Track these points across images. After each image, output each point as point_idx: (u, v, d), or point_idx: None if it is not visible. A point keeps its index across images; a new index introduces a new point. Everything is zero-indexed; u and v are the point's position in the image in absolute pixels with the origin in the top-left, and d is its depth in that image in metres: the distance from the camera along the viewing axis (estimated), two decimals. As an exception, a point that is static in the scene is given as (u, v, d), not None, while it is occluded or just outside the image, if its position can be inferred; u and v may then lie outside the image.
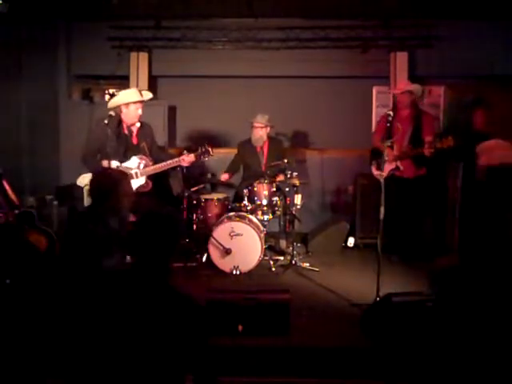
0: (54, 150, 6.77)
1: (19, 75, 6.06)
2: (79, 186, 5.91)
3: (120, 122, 4.50)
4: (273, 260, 5.20)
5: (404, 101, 5.26)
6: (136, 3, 5.63)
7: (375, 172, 5.06)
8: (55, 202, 5.88)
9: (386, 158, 4.70)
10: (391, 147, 4.93)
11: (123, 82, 6.66)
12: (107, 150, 4.37)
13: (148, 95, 4.68)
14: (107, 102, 6.32)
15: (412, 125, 5.20)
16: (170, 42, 6.57)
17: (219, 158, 5.82)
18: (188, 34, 6.56)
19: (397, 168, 5.16)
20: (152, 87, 6.41)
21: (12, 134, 5.98)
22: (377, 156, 5.00)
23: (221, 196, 5.47)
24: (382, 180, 4.37)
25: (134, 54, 6.50)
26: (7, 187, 4.80)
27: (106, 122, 4.29)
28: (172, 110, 6.74)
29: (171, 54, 6.61)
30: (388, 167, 5.04)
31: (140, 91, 4.62)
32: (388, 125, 4.75)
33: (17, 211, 4.73)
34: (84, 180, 5.85)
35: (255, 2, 5.80)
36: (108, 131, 4.34)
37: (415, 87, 5.32)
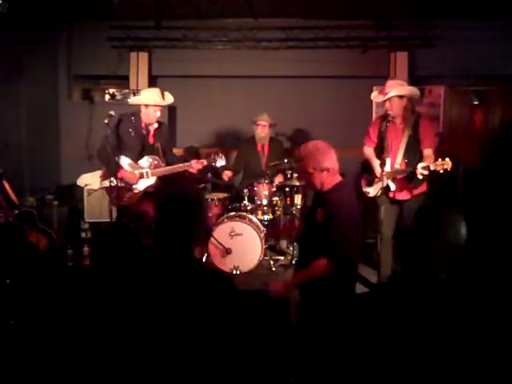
0: (54, 150, 6.78)
1: (19, 75, 6.05)
2: (79, 186, 5.95)
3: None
4: (273, 260, 5.20)
5: (393, 107, 4.24)
6: (136, 3, 5.63)
7: (363, 189, 4.54)
8: (55, 202, 5.89)
9: (372, 165, 4.37)
10: (383, 161, 4.20)
11: (123, 81, 6.67)
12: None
13: (169, 99, 4.70)
14: (107, 102, 6.36)
15: (407, 135, 4.29)
16: (170, 42, 6.57)
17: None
18: (188, 34, 6.56)
19: (388, 188, 4.29)
20: (152, 87, 6.40)
21: (12, 134, 5.98)
22: (367, 169, 4.48)
23: (221, 196, 5.48)
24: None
25: (133, 54, 6.50)
26: (7, 187, 4.80)
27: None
28: (172, 110, 6.74)
29: (171, 53, 6.62)
30: (378, 185, 4.32)
31: (163, 93, 4.64)
32: (379, 132, 4.38)
33: (17, 211, 4.74)
34: (84, 180, 5.89)
35: (255, 2, 5.79)
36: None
37: (405, 90, 4.29)
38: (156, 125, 4.65)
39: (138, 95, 4.61)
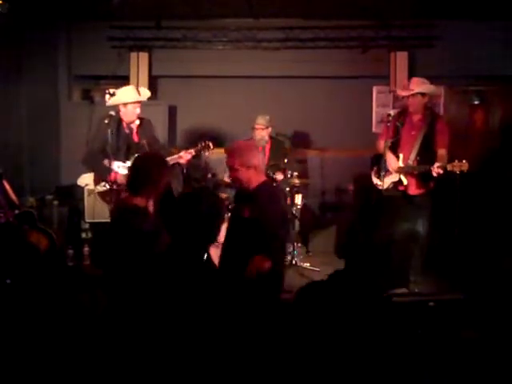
0: (54, 150, 6.77)
1: (20, 76, 6.06)
2: (79, 186, 5.93)
3: (120, 120, 4.50)
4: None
5: (415, 104, 4.44)
6: (136, 3, 5.63)
7: (374, 181, 4.61)
8: (55, 202, 5.89)
9: (386, 158, 4.43)
10: (396, 155, 4.45)
11: (123, 82, 6.64)
12: (108, 149, 4.37)
13: (146, 94, 4.67)
14: (107, 102, 6.31)
15: (423, 133, 4.41)
16: (170, 42, 6.56)
17: (220, 158, 5.80)
18: (188, 34, 6.56)
19: (400, 181, 4.45)
20: (152, 87, 6.40)
21: (12, 135, 5.98)
22: (378, 162, 4.53)
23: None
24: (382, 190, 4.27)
25: (134, 54, 6.49)
26: (7, 187, 4.80)
27: (106, 121, 4.29)
28: (172, 110, 6.74)
29: (171, 53, 6.61)
30: (389, 179, 4.51)
31: (138, 89, 4.61)
32: (396, 127, 4.44)
33: (17, 211, 4.74)
34: (84, 180, 5.87)
35: (255, 2, 5.79)
36: (108, 131, 4.34)
37: (429, 88, 4.48)
38: (138, 121, 4.61)
39: (114, 96, 4.55)
